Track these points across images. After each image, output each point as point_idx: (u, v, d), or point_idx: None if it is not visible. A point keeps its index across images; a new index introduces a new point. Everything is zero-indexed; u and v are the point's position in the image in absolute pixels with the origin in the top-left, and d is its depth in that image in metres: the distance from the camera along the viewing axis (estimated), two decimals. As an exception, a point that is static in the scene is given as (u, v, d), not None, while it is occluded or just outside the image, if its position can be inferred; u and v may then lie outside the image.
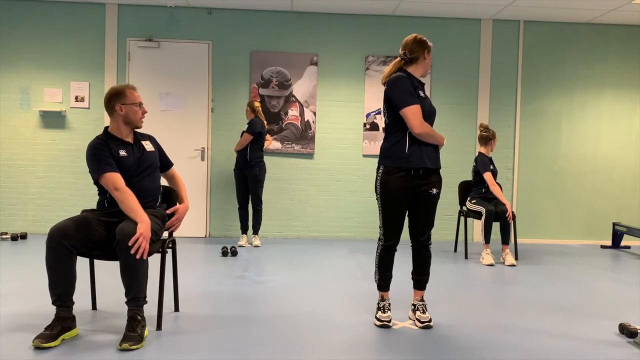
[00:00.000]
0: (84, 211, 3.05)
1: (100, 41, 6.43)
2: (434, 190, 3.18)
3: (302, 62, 6.58)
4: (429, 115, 3.16)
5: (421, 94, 3.17)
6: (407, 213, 3.25)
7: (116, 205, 2.99)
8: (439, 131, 6.50)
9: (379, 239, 3.27)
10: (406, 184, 3.14)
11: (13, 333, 2.92)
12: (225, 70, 6.54)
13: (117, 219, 2.97)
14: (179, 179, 3.40)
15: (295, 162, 6.64)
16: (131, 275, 2.81)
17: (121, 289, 3.81)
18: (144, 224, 2.82)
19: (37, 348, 2.68)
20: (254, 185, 5.89)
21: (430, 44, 3.28)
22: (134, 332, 2.76)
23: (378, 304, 3.29)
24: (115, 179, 2.94)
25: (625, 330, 3.10)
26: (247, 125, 5.85)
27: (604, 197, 6.84)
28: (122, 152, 3.06)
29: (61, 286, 2.80)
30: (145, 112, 3.19)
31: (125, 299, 2.85)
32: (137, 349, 2.72)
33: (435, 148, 3.19)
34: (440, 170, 3.28)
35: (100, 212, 3.05)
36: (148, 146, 3.21)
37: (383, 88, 3.29)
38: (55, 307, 2.82)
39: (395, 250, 3.27)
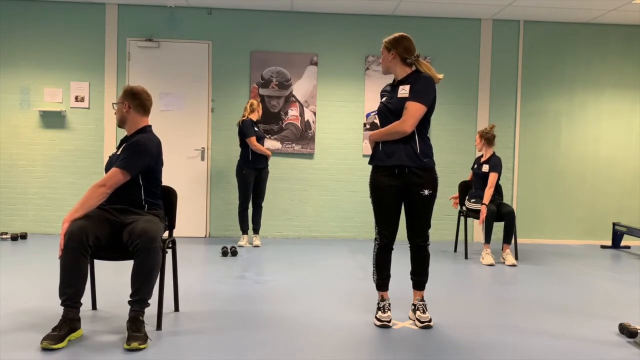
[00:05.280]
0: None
1: (100, 41, 6.43)
2: (426, 192, 3.15)
3: (302, 62, 6.58)
4: (390, 111, 3.17)
5: (386, 92, 3.26)
6: (403, 214, 3.25)
7: (118, 202, 3.05)
8: (440, 131, 6.59)
9: (375, 239, 3.28)
10: (393, 182, 3.15)
11: (14, 333, 2.92)
12: (225, 70, 6.54)
13: (118, 218, 3.00)
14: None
15: (295, 162, 6.64)
16: (144, 277, 2.83)
17: (120, 289, 3.83)
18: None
19: (45, 349, 2.68)
20: (265, 183, 5.97)
21: (384, 40, 3.26)
22: (139, 332, 2.77)
23: (378, 304, 3.29)
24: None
25: (625, 330, 3.10)
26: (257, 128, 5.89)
27: (604, 197, 6.84)
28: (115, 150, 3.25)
29: (73, 286, 2.79)
30: (115, 113, 3.28)
31: (129, 299, 2.85)
32: (144, 348, 2.73)
33: (416, 146, 3.12)
34: (437, 171, 3.27)
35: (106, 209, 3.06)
36: (120, 149, 3.15)
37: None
38: (63, 307, 2.82)
39: (392, 249, 3.27)
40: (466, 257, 5.55)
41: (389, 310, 3.27)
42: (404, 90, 3.13)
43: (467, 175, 6.07)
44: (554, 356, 2.79)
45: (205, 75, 6.53)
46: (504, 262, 5.29)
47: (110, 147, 6.37)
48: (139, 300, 2.84)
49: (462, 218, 5.91)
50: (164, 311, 3.26)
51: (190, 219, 6.52)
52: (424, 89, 3.09)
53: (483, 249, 5.33)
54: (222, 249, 5.42)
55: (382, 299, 3.29)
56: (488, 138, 5.47)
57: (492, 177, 5.34)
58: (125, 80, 6.43)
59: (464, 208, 5.76)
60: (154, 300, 2.94)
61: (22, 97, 6.41)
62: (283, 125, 6.58)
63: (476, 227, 6.68)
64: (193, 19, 6.50)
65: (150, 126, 3.23)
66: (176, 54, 6.50)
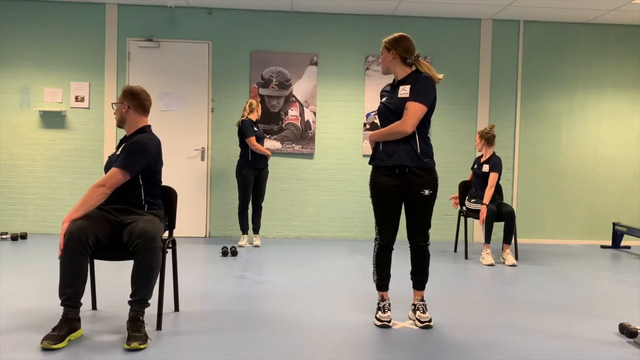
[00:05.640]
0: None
1: (100, 41, 6.43)
2: (426, 192, 3.15)
3: (302, 62, 6.58)
4: (391, 111, 3.17)
5: (386, 92, 3.27)
6: (403, 214, 3.25)
7: (118, 202, 3.05)
8: (440, 131, 6.60)
9: (375, 239, 3.28)
10: (393, 182, 3.15)
11: (14, 333, 2.92)
12: (225, 70, 6.54)
13: (117, 218, 3.01)
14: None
15: (295, 162, 6.64)
16: (144, 277, 2.83)
17: (120, 289, 3.83)
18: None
19: (46, 349, 2.68)
20: (265, 183, 5.98)
21: (384, 40, 3.25)
22: (139, 332, 2.77)
23: (378, 304, 3.29)
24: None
25: (625, 330, 3.10)
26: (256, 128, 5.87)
27: (604, 197, 6.84)
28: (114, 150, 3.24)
29: (73, 286, 2.79)
30: (114, 113, 3.28)
31: (129, 299, 2.85)
32: (144, 348, 2.73)
33: (416, 146, 3.12)
34: (438, 170, 3.27)
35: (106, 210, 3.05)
36: (120, 149, 3.16)
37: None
38: (63, 307, 2.82)
39: (392, 249, 3.27)
40: (466, 257, 5.55)
41: (389, 310, 3.27)
42: (404, 91, 3.13)
43: (467, 175, 6.07)
44: (554, 356, 2.79)
45: (205, 75, 6.53)
46: (504, 262, 5.29)
47: (110, 147, 6.37)
48: (139, 300, 2.84)
49: (462, 218, 5.91)
50: (164, 311, 3.26)
51: (190, 219, 6.52)
52: (424, 89, 3.09)
53: (483, 249, 5.33)
54: (222, 249, 5.42)
55: (382, 299, 3.29)
56: (488, 138, 5.47)
57: (492, 177, 5.34)
58: (125, 80, 6.43)
59: (464, 208, 5.76)
60: (154, 300, 2.94)
61: (22, 97, 6.41)
62: (283, 125, 6.58)
63: (476, 227, 6.68)
64: (193, 19, 6.50)
65: (149, 126, 3.23)
66: (176, 54, 6.50)
